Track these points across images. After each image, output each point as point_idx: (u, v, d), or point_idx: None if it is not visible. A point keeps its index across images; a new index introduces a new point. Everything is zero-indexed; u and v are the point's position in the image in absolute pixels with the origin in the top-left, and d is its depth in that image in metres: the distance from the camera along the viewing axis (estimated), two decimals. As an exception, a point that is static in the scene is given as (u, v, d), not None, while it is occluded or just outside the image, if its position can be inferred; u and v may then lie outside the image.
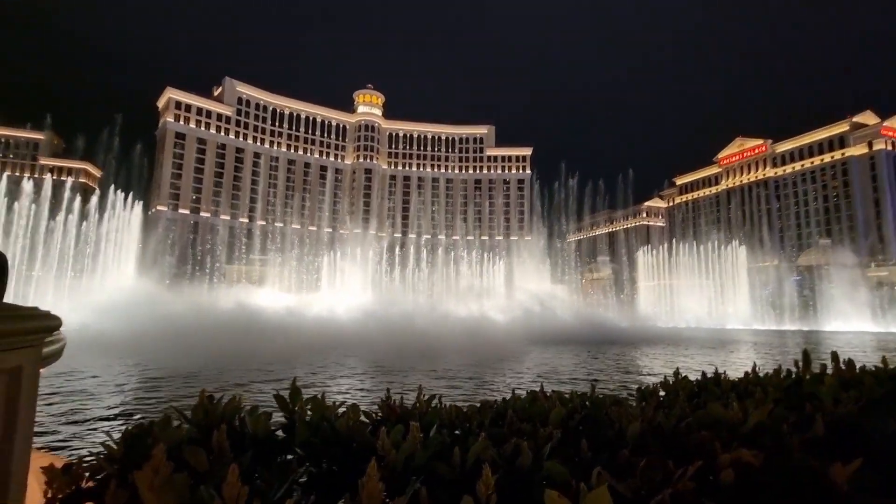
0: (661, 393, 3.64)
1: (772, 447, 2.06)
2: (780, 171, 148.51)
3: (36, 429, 2.13)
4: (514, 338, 45.87)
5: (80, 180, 69.13)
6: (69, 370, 21.60)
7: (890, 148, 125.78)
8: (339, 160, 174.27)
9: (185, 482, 1.55)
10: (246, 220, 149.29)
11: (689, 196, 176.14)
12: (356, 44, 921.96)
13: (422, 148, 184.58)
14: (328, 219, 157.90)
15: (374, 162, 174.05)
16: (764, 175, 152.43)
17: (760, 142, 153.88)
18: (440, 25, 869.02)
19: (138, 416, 14.18)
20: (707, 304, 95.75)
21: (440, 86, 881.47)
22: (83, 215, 71.92)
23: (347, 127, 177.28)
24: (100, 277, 68.82)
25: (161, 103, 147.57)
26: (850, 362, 3.69)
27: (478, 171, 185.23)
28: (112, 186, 72.46)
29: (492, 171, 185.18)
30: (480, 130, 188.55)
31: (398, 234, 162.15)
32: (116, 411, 14.98)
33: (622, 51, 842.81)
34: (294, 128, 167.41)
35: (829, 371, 3.63)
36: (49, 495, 1.80)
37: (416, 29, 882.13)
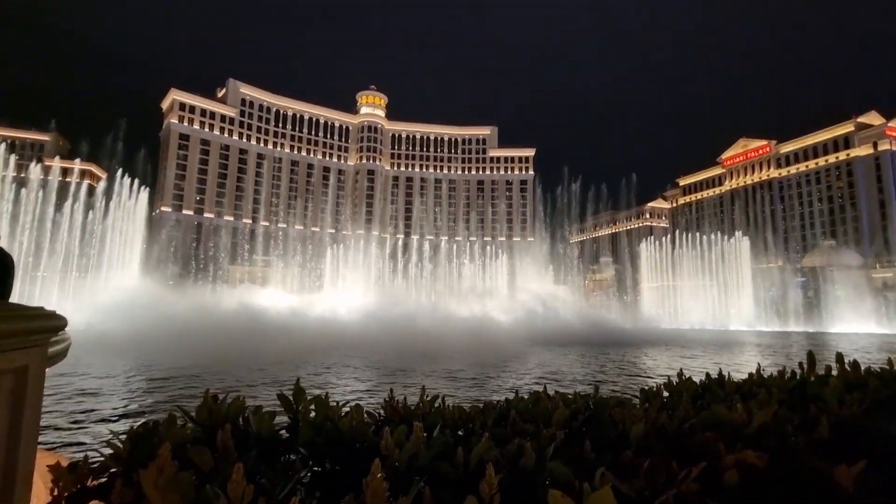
0: (665, 394, 3.63)
1: (776, 449, 2.06)
2: (784, 171, 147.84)
3: (41, 428, 2.14)
4: (517, 339, 45.80)
5: (85, 181, 69.61)
6: (74, 370, 21.72)
7: (895, 148, 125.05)
8: (342, 161, 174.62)
9: (190, 481, 1.56)
10: (249, 221, 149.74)
11: (693, 197, 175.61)
12: (356, 44, 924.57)
13: (424, 149, 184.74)
14: (331, 220, 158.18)
15: (377, 163, 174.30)
16: (768, 176, 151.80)
17: (764, 142, 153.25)
18: (441, 26, 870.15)
19: (143, 416, 14.24)
20: (711, 306, 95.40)
21: (441, 86, 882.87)
22: (87, 216, 72.30)
23: (350, 128, 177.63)
24: (104, 278, 69.14)
25: (165, 105, 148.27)
26: (854, 364, 3.67)
27: (480, 172, 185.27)
28: (116, 188, 72.84)
29: (494, 172, 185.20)
30: (483, 131, 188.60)
31: (401, 235, 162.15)
32: (121, 411, 15.05)
33: (623, 51, 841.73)
34: (297, 129, 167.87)
35: (834, 373, 3.62)
36: (55, 493, 1.81)
37: (416, 29, 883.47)
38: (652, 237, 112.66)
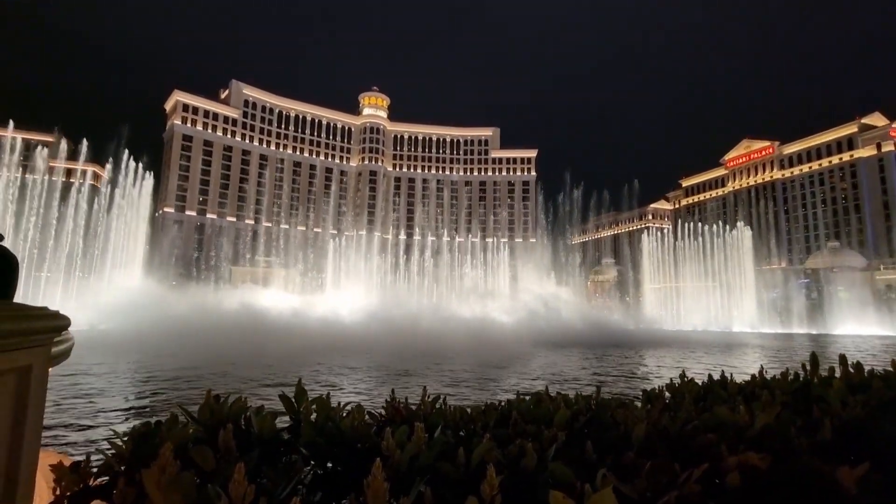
0: (667, 395, 3.62)
1: (779, 450, 2.05)
2: (787, 172, 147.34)
3: (44, 427, 2.15)
4: (519, 339, 45.75)
5: (88, 182, 69.80)
6: (77, 370, 21.79)
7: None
8: (345, 162, 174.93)
9: (192, 481, 1.56)
10: (252, 222, 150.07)
11: (695, 198, 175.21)
12: (357, 44, 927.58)
13: (427, 150, 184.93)
14: (333, 221, 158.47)
15: (380, 164, 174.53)
16: (771, 177, 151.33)
17: (767, 143, 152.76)
18: (442, 26, 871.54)
19: (145, 416, 14.27)
20: (713, 307, 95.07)
21: (442, 87, 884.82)
22: (90, 216, 72.58)
23: (352, 129, 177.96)
24: (107, 278, 69.38)
25: (168, 106, 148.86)
26: (858, 365, 3.65)
27: (483, 174, 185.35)
28: (119, 189, 73.10)
29: (496, 174, 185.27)
30: (485, 132, 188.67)
31: (403, 236, 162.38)
32: (123, 410, 15.08)
33: (624, 51, 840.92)
34: (300, 130, 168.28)
35: (837, 374, 3.60)
36: (57, 493, 1.82)
37: (417, 30, 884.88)
38: (657, 233, 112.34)
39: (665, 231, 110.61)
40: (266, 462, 2.02)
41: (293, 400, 2.51)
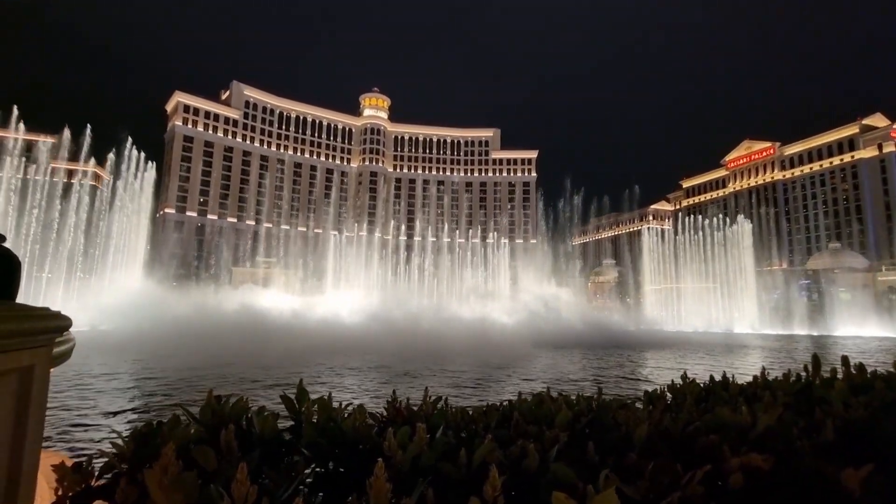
0: (669, 396, 3.62)
1: (781, 452, 2.04)
2: (788, 173, 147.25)
3: (45, 427, 2.15)
4: (520, 340, 45.71)
5: (89, 183, 69.91)
6: (78, 370, 21.80)
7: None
8: (345, 163, 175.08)
9: (195, 481, 1.56)
10: (252, 223, 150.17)
11: (696, 199, 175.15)
12: (356, 44, 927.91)
13: (427, 151, 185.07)
14: (333, 221, 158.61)
15: (380, 165, 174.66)
16: (772, 178, 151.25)
17: (768, 144, 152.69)
18: (441, 26, 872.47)
19: (147, 416, 14.27)
20: (714, 308, 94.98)
21: (443, 87, 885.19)
22: (91, 217, 72.68)
23: (353, 130, 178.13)
24: (108, 279, 69.47)
25: (169, 107, 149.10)
26: (860, 366, 3.64)
27: (483, 175, 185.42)
28: (120, 189, 73.19)
29: (497, 175, 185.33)
30: (486, 133, 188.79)
31: (403, 237, 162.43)
32: (125, 411, 15.09)
33: (624, 51, 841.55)
34: (300, 131, 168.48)
35: (840, 375, 3.60)
36: (59, 493, 1.82)
37: (416, 30, 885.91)
38: (658, 234, 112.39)
39: (666, 232, 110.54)
40: (268, 462, 2.02)
41: (294, 400, 2.51)
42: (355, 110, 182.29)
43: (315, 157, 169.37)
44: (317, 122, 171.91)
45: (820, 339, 64.12)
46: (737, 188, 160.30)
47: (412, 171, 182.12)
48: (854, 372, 3.59)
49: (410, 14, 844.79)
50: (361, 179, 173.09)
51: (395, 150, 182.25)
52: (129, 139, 74.47)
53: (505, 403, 3.14)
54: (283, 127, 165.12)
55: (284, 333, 42.42)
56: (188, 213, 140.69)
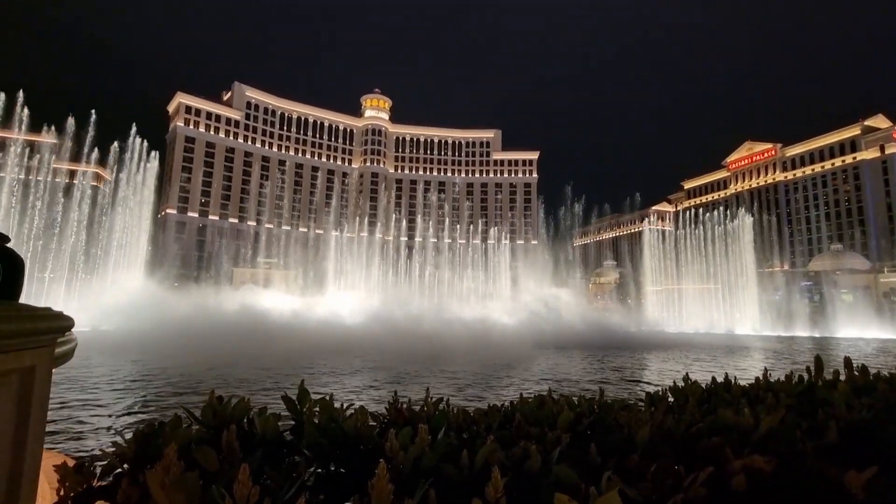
0: (671, 398, 3.61)
1: (784, 454, 2.04)
2: (790, 175, 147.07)
3: (47, 428, 2.15)
4: (521, 341, 45.67)
5: (91, 183, 70.10)
6: (79, 371, 21.83)
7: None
8: (347, 164, 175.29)
9: (196, 481, 1.56)
10: (253, 224, 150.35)
11: (697, 200, 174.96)
12: (357, 44, 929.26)
13: (428, 152, 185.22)
14: (335, 222, 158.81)
15: (381, 166, 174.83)
16: (774, 179, 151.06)
17: (770, 145, 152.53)
18: (442, 27, 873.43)
19: (149, 416, 14.28)
20: (715, 310, 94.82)
21: (442, 86, 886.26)
22: (93, 217, 72.81)
23: (354, 131, 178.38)
24: (109, 279, 69.57)
25: (171, 108, 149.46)
26: (863, 368, 3.63)
27: (484, 175, 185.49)
28: (121, 190, 73.32)
29: (498, 175, 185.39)
30: (487, 134, 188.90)
31: (404, 238, 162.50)
32: (126, 412, 15.10)
33: (625, 51, 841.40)
34: (302, 132, 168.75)
35: (842, 377, 3.59)
36: (61, 493, 1.81)
37: (417, 30, 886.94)
38: (659, 235, 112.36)
39: (667, 233, 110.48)
40: (269, 463, 2.02)
41: (296, 401, 2.51)
42: (356, 111, 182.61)
43: (316, 157, 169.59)
44: (318, 123, 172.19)
45: (822, 341, 63.99)
46: (738, 189, 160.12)
47: (413, 171, 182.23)
48: (857, 374, 3.58)
49: (410, 14, 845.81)
50: (363, 180, 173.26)
51: (397, 151, 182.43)
52: (131, 140, 74.66)
53: (506, 404, 3.14)
54: (285, 128, 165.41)
55: (285, 334, 42.42)
56: (189, 214, 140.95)
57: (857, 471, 1.74)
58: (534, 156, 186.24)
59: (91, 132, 76.45)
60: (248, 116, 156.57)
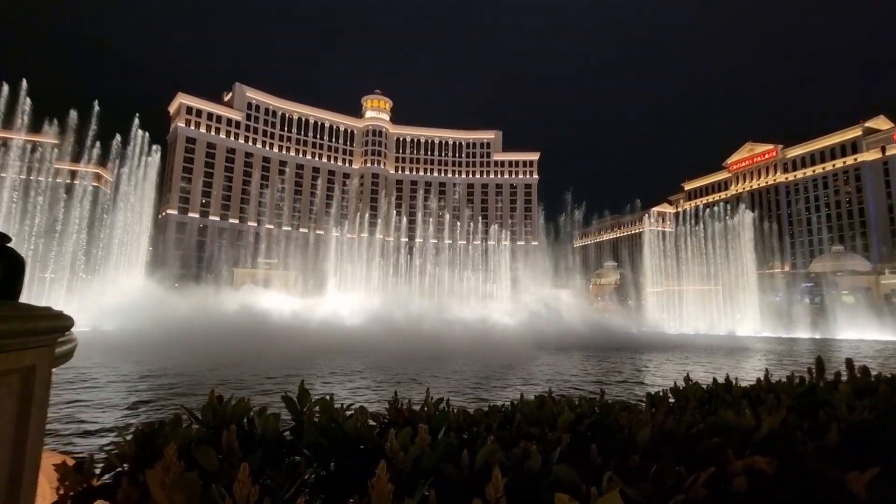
0: (672, 399, 3.60)
1: (785, 455, 2.03)
2: (790, 176, 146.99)
3: (47, 427, 2.15)
4: (521, 342, 45.66)
5: (92, 184, 70.29)
6: (79, 371, 21.83)
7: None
8: (347, 165, 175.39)
9: (196, 481, 1.56)
10: (254, 224, 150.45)
11: (698, 201, 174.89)
12: (357, 44, 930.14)
13: (429, 153, 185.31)
14: (335, 223, 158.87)
15: (382, 167, 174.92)
16: (774, 180, 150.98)
17: (770, 147, 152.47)
18: (442, 27, 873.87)
19: (148, 416, 14.28)
20: (716, 311, 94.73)
21: (442, 86, 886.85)
22: (93, 218, 72.87)
23: (355, 132, 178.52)
24: (110, 280, 69.59)
25: (172, 108, 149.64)
26: (864, 370, 3.63)
27: (485, 176, 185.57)
28: (122, 190, 73.39)
29: (499, 176, 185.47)
30: (487, 135, 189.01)
31: (405, 239, 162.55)
32: (126, 411, 15.09)
33: (625, 51, 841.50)
34: (302, 133, 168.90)
35: (844, 378, 3.58)
36: (61, 493, 1.81)
37: (417, 30, 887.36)
38: (659, 236, 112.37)
39: (667, 234, 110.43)
40: (269, 463, 2.02)
41: (296, 401, 2.51)
42: (357, 112, 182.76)
43: (317, 158, 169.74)
44: (319, 123, 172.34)
45: (823, 343, 63.91)
46: (739, 190, 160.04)
47: (414, 172, 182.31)
48: (858, 375, 3.57)
49: (410, 14, 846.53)
50: (363, 181, 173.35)
51: (397, 151, 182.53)
52: (131, 140, 74.75)
53: (507, 405, 3.13)
54: (286, 129, 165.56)
55: (285, 334, 42.43)
56: (190, 215, 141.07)
57: (858, 472, 1.73)
58: (534, 157, 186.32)
59: (91, 132, 76.47)
60: (248, 117, 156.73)
